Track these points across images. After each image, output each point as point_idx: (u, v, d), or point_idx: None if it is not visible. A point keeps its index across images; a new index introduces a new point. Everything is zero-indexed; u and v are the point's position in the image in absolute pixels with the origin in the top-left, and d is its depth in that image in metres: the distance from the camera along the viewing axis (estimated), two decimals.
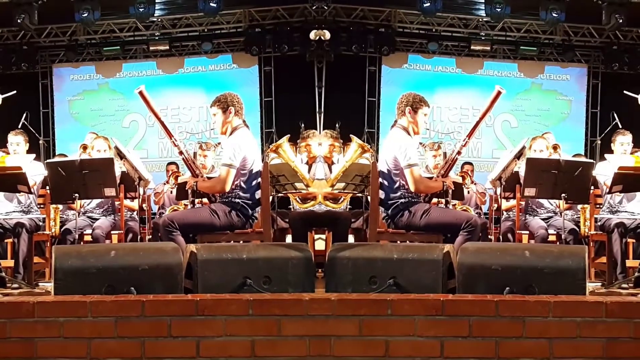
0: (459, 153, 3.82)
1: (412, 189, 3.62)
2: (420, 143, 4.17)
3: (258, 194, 3.68)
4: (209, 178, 3.94)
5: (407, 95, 3.74)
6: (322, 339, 2.39)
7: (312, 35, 7.89)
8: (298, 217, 4.49)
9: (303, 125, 6.49)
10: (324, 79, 8.32)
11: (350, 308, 2.41)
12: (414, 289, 2.66)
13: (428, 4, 7.51)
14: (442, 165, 3.84)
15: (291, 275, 2.71)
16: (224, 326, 2.39)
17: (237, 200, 3.64)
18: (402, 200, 3.64)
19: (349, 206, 4.35)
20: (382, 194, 3.71)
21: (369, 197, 4.04)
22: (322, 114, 8.00)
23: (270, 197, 3.92)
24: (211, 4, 7.64)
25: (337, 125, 6.44)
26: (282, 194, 4.33)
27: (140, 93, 3.66)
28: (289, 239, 4.45)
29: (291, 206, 4.94)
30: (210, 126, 4.00)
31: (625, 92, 5.96)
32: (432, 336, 2.38)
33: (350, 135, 4.65)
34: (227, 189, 3.59)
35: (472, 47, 8.87)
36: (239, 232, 3.68)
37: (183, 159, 3.78)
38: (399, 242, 3.77)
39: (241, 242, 3.77)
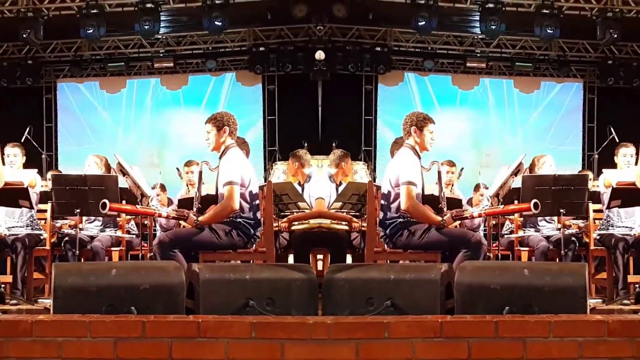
0: (479, 215, 3.76)
1: (402, 206, 3.54)
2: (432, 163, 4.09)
3: (259, 214, 3.64)
4: (201, 208, 3.80)
5: (410, 115, 3.75)
6: None
7: (317, 55, 7.95)
8: (300, 237, 4.46)
9: (306, 144, 6.50)
10: (319, 98, 8.38)
11: (346, 331, 2.36)
12: (412, 309, 2.61)
13: (423, 23, 7.55)
14: (457, 210, 3.77)
15: (295, 297, 2.67)
16: (226, 349, 2.35)
17: (239, 220, 3.60)
18: (401, 220, 3.59)
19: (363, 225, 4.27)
20: (381, 215, 3.66)
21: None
22: (320, 133, 8.04)
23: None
24: (216, 23, 7.68)
25: (333, 143, 6.45)
26: (284, 214, 4.30)
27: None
28: (291, 259, 4.40)
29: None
30: None
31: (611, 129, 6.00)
32: (430, 359, 2.33)
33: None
34: (236, 206, 3.51)
35: (467, 64, 8.97)
36: (241, 251, 3.63)
37: (168, 218, 3.77)
38: (400, 261, 3.72)
39: (240, 261, 3.71)
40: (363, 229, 4.21)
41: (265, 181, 6.04)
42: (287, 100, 8.98)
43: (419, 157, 3.69)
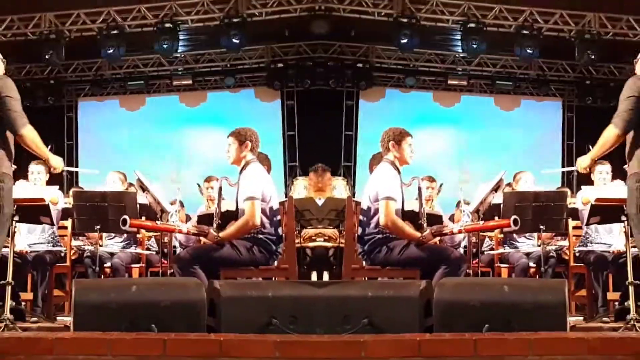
0: (459, 231, 3.68)
1: (381, 222, 3.45)
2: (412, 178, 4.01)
3: (280, 230, 3.58)
4: (221, 224, 3.75)
5: (387, 131, 3.71)
6: None
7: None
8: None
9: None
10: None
11: (321, 351, 2.29)
12: (390, 328, 2.54)
13: (405, 40, 7.58)
14: (438, 227, 3.70)
15: (319, 315, 2.60)
16: None
17: (260, 235, 3.54)
18: (380, 236, 3.50)
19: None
20: (359, 231, 3.58)
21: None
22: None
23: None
24: (233, 41, 7.73)
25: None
26: (307, 229, 4.24)
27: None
28: (314, 276, 4.34)
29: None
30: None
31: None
32: None
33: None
34: (258, 222, 3.45)
35: (449, 82, 9.00)
36: (263, 268, 3.56)
37: (188, 234, 3.78)
38: (378, 278, 3.58)
39: (262, 278, 3.64)
40: (341, 245, 4.15)
41: (286, 197, 5.98)
42: (307, 115, 8.96)
43: (399, 172, 3.62)
